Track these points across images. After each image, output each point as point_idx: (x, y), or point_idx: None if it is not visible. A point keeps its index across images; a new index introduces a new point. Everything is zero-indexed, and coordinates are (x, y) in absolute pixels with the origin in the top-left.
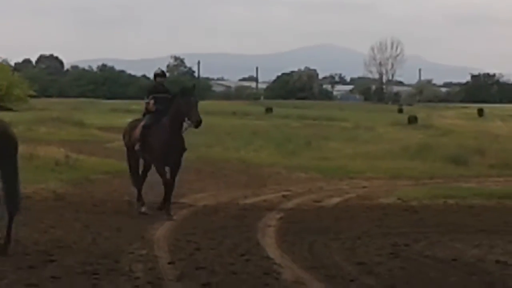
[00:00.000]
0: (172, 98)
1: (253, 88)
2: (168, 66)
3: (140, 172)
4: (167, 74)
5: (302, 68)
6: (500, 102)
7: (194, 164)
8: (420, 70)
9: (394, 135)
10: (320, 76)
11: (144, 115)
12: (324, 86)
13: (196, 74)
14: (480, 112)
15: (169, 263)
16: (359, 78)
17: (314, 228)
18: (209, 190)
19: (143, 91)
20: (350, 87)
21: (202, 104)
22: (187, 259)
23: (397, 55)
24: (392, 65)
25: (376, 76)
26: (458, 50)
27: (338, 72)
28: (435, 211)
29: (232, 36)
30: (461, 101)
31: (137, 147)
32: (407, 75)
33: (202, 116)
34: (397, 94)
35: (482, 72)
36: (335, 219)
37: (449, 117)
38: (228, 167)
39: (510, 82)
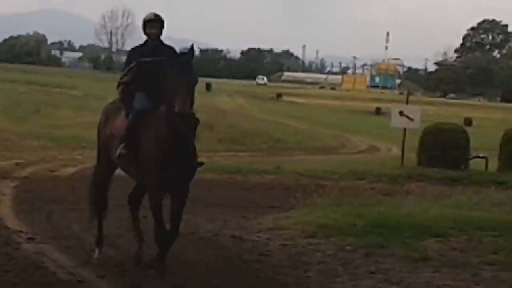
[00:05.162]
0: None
1: None
2: None
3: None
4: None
5: (31, 32)
6: (227, 77)
7: None
8: None
9: None
10: (49, 42)
11: (121, 100)
12: (53, 52)
13: None
14: (208, 86)
15: None
16: (89, 45)
17: (51, 198)
18: None
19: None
20: (79, 54)
21: None
22: None
23: (128, 25)
24: (123, 34)
25: (106, 45)
26: (187, 23)
27: (68, 38)
28: None
29: None
30: None
31: (120, 150)
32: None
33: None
34: None
35: (210, 47)
36: (71, 189)
37: None
38: None
39: (236, 58)
